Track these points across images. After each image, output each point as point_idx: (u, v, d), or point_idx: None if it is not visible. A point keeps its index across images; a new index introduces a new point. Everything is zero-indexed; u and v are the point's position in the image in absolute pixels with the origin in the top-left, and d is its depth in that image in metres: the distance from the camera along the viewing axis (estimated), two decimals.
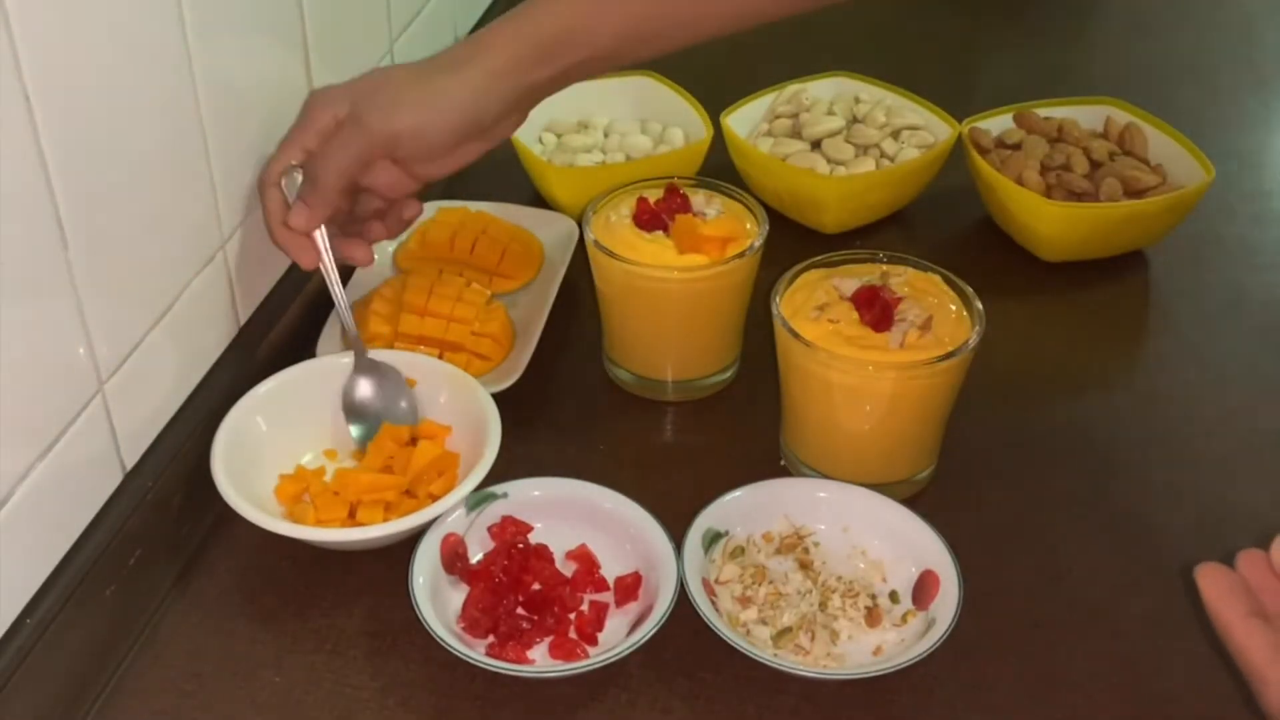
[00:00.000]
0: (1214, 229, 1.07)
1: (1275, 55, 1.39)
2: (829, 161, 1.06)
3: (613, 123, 1.13)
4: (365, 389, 0.83)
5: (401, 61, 1.05)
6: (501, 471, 0.77)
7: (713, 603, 0.72)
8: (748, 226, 0.87)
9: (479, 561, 0.76)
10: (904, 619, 0.74)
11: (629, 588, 0.74)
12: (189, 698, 0.70)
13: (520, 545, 0.76)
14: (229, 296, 0.84)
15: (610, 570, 0.76)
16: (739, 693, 0.71)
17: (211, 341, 0.83)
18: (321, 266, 0.83)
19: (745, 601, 0.74)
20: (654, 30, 0.81)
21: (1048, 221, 1.00)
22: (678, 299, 0.86)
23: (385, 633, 0.74)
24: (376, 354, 0.84)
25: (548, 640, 0.72)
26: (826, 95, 1.13)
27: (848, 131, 1.09)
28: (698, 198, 0.89)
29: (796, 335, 0.78)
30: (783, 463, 0.85)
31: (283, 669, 0.72)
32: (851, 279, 0.81)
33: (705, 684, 0.71)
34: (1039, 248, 1.02)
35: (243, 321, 0.86)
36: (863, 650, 0.72)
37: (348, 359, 0.84)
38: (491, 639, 0.72)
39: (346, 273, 0.92)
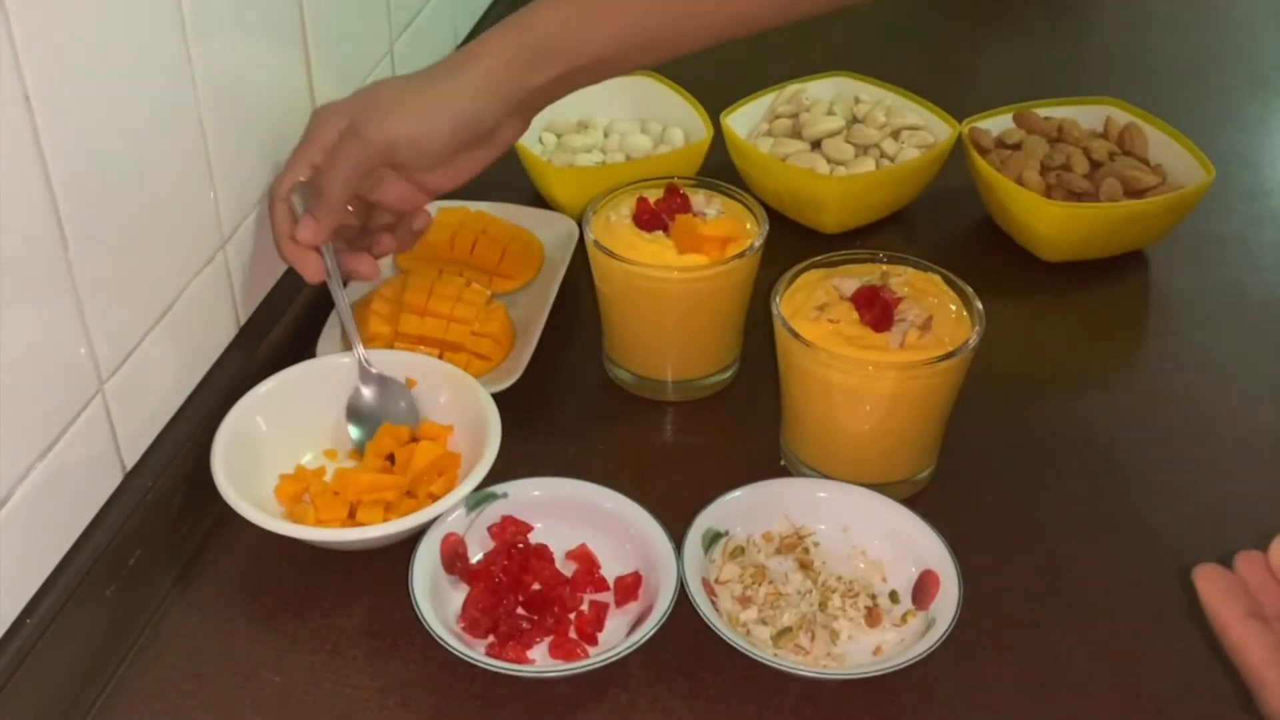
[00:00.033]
0: (1214, 229, 1.07)
1: (1275, 55, 1.38)
2: (829, 161, 1.06)
3: (613, 123, 1.13)
4: (369, 398, 0.83)
5: (401, 63, 1.06)
6: (501, 471, 0.77)
7: (713, 603, 0.72)
8: (748, 226, 0.87)
9: (479, 561, 0.76)
10: (904, 619, 0.74)
11: (629, 588, 0.74)
12: (189, 698, 0.70)
13: (520, 545, 0.76)
14: (229, 296, 0.84)
15: (610, 570, 0.76)
16: (739, 693, 0.71)
17: (211, 341, 0.83)
18: (327, 282, 0.83)
19: (745, 601, 0.74)
20: (650, 37, 0.81)
21: (1048, 221, 1.00)
22: (678, 299, 0.86)
23: (385, 633, 0.74)
24: (379, 358, 0.84)
25: (548, 640, 0.72)
26: (826, 95, 1.13)
27: (848, 131, 1.09)
28: (698, 198, 0.89)
29: (796, 335, 0.78)
30: (783, 463, 0.85)
31: (283, 669, 0.72)
32: (851, 279, 0.81)
33: (705, 684, 0.71)
34: (1039, 248, 1.02)
35: (243, 321, 0.86)
36: (863, 650, 0.72)
37: (348, 359, 0.84)
38: (491, 639, 0.72)
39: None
